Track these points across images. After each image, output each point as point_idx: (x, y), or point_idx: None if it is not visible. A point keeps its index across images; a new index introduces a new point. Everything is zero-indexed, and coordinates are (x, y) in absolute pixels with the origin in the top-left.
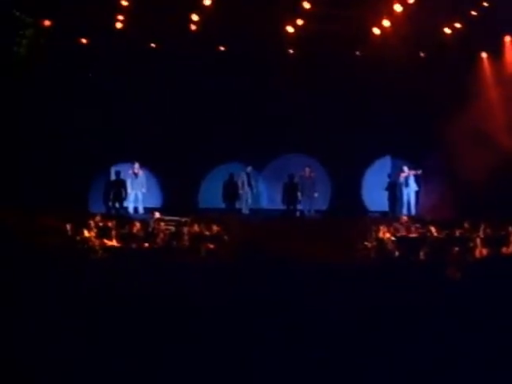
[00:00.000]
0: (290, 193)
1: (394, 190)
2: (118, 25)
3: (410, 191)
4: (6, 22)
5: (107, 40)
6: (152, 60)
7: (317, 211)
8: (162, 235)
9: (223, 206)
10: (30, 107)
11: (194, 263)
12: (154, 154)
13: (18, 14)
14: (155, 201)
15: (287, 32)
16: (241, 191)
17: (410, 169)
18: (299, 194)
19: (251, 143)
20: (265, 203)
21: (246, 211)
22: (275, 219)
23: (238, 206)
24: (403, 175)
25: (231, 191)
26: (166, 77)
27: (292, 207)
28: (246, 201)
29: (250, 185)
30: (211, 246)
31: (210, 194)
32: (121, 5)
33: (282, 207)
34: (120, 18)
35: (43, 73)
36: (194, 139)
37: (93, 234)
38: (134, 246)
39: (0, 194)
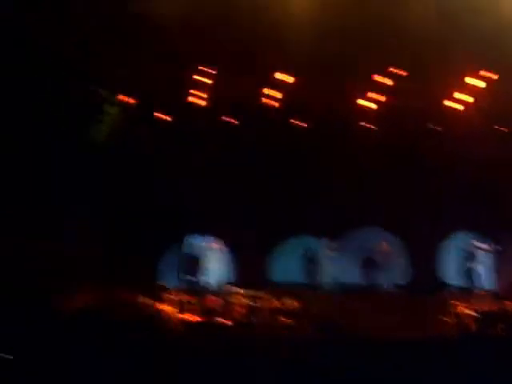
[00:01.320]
0: (367, 267)
1: (467, 263)
2: (197, 101)
3: (481, 265)
4: (89, 100)
5: (186, 116)
6: (227, 134)
7: (395, 285)
8: (238, 309)
9: (298, 279)
10: (105, 182)
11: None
12: (227, 227)
13: (100, 91)
14: (229, 275)
15: (362, 106)
16: (317, 265)
17: (482, 243)
18: (375, 268)
19: (324, 215)
20: (342, 277)
21: (323, 285)
22: (354, 294)
23: (314, 279)
24: (475, 249)
25: (308, 264)
26: (242, 152)
27: (371, 282)
28: (323, 274)
29: (326, 258)
30: (288, 321)
31: (284, 268)
32: (200, 81)
33: (359, 281)
34: (200, 94)
35: (123, 149)
36: (267, 212)
37: (169, 308)
38: (209, 320)
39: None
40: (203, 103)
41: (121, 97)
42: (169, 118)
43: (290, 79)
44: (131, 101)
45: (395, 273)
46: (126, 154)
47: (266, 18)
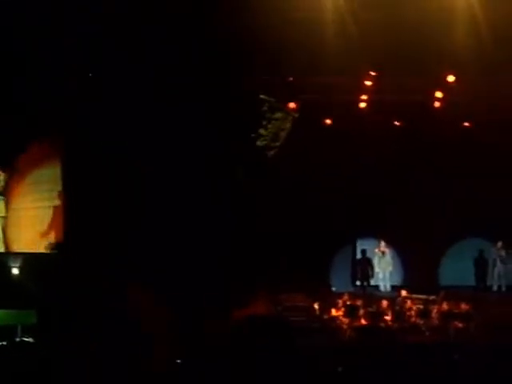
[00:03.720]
0: None
1: None
2: (362, 104)
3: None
4: (254, 106)
5: (350, 120)
6: (395, 138)
7: None
8: (408, 313)
9: (469, 283)
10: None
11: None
12: (397, 231)
13: (265, 97)
14: (399, 278)
15: None
16: (488, 268)
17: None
18: None
19: (496, 217)
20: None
21: (495, 288)
22: None
23: (486, 282)
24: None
25: (482, 268)
26: (411, 155)
27: None
28: (499, 278)
29: (503, 261)
30: (460, 325)
31: (453, 271)
32: (364, 85)
33: None
34: (363, 97)
35: (288, 156)
36: (437, 215)
37: (340, 312)
38: (381, 324)
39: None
40: (368, 107)
41: (286, 103)
42: (333, 123)
43: (455, 80)
44: (295, 106)
45: None
46: (291, 159)
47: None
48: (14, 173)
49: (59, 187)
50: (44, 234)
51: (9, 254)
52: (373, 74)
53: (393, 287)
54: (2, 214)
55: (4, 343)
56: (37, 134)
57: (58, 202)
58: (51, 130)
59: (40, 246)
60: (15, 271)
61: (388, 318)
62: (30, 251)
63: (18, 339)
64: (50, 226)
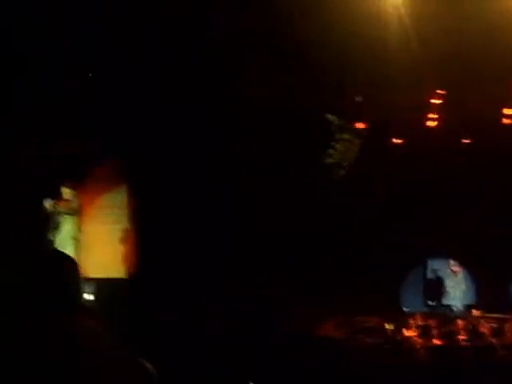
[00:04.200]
0: None
1: None
2: (430, 123)
3: None
4: (321, 127)
5: (419, 139)
6: (464, 156)
7: None
8: (481, 332)
9: None
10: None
11: None
12: (468, 248)
13: (332, 117)
14: (472, 298)
15: None
16: None
17: None
18: None
19: None
20: None
21: None
22: None
23: None
24: None
25: None
26: (482, 173)
27: None
28: None
29: None
30: None
31: None
32: (432, 103)
33: None
34: (432, 116)
35: (357, 175)
36: (506, 233)
37: (413, 333)
38: (453, 343)
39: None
40: (435, 125)
41: (353, 123)
42: (401, 142)
43: None
44: (363, 126)
45: None
46: (361, 178)
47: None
48: (85, 194)
49: (121, 210)
50: (116, 257)
51: (83, 281)
52: (441, 91)
53: (465, 307)
54: (75, 236)
55: None
56: (105, 156)
57: (127, 225)
58: (119, 153)
59: (113, 270)
60: (90, 297)
61: (462, 337)
62: (103, 275)
63: None
64: (122, 250)
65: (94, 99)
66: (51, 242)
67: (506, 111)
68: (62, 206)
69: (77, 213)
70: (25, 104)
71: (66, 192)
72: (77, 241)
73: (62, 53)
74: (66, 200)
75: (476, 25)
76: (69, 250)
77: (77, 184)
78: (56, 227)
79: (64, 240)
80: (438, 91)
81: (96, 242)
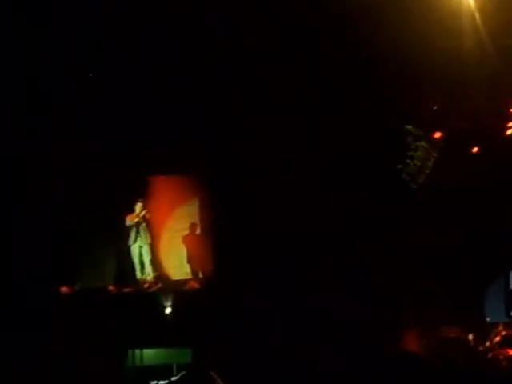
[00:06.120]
0: None
1: None
2: (509, 131)
3: None
4: (399, 136)
5: (498, 147)
6: None
7: None
8: None
9: None
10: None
11: None
12: None
13: (409, 127)
14: None
15: None
16: None
17: None
18: None
19: None
20: None
21: None
22: None
23: None
24: None
25: None
26: None
27: None
28: None
29: None
30: None
31: None
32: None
33: None
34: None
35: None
36: None
37: (496, 343)
38: None
39: None
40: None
41: (431, 132)
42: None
43: None
44: (441, 135)
45: None
46: (435, 189)
47: None
48: (161, 206)
49: (193, 219)
50: (185, 262)
51: (161, 293)
52: None
53: None
54: (150, 242)
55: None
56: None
57: (186, 232)
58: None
59: (183, 273)
60: (168, 310)
61: None
62: (177, 276)
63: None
64: (195, 254)
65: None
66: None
67: None
68: (135, 218)
69: (150, 222)
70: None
71: (138, 205)
72: (152, 246)
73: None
74: (139, 212)
75: None
76: (145, 253)
77: (147, 197)
78: (134, 236)
79: (141, 246)
80: None
81: (171, 247)
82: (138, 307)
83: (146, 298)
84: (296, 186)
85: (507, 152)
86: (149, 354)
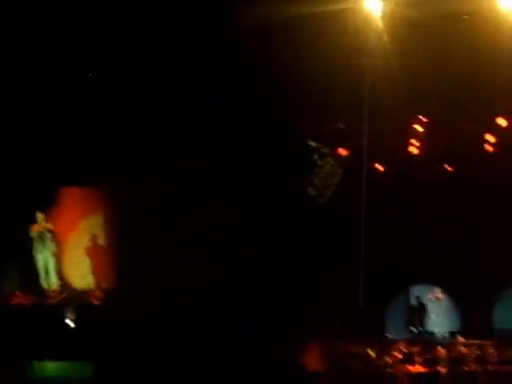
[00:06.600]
0: None
1: None
2: (413, 150)
3: None
4: (303, 153)
5: (401, 166)
6: (447, 184)
7: None
8: (463, 359)
9: None
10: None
11: None
12: (450, 276)
13: (314, 144)
14: (455, 324)
15: None
16: None
17: None
18: None
19: None
20: None
21: None
22: None
23: None
24: None
25: None
26: (465, 199)
27: None
28: None
29: None
30: None
31: (509, 315)
32: (415, 130)
33: None
34: (415, 143)
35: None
36: (490, 258)
37: (396, 359)
38: (435, 370)
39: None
40: (417, 152)
41: (335, 149)
42: (383, 169)
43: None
44: (346, 153)
45: None
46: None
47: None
48: (65, 217)
49: (96, 231)
50: (93, 270)
51: (64, 305)
52: (423, 119)
53: (449, 333)
54: (53, 251)
55: None
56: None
57: (89, 243)
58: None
59: (87, 283)
60: (70, 323)
61: (444, 364)
62: (81, 286)
63: None
64: (97, 264)
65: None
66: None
67: (489, 138)
68: (39, 228)
69: (55, 233)
70: None
71: (40, 216)
72: (57, 256)
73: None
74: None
75: (459, 54)
76: (50, 263)
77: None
78: (38, 246)
79: (46, 256)
80: (421, 118)
81: (75, 257)
82: (40, 319)
83: (49, 310)
84: (201, 200)
85: (409, 169)
86: (50, 367)
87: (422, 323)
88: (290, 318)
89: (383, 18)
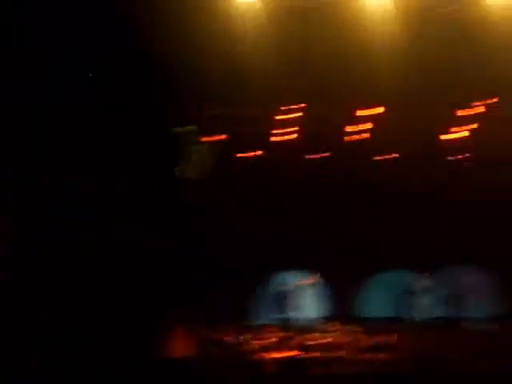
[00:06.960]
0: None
1: None
2: (284, 138)
3: None
4: (178, 139)
5: (273, 153)
6: (314, 170)
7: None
8: (329, 345)
9: (391, 313)
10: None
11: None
12: (318, 261)
13: (187, 129)
14: (321, 310)
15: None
16: (410, 299)
17: None
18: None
19: (421, 251)
20: (433, 312)
21: (416, 319)
22: (444, 327)
23: (410, 314)
24: None
25: (402, 299)
26: (331, 186)
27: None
28: (417, 309)
29: (420, 293)
30: (380, 356)
31: (377, 302)
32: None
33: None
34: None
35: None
36: (360, 245)
37: (261, 345)
38: (300, 356)
39: None
40: (290, 140)
41: (208, 135)
42: (255, 155)
43: (375, 113)
44: (218, 139)
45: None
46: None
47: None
48: None
49: None
50: None
51: None
52: (294, 106)
53: (315, 319)
54: None
55: None
56: None
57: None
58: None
59: None
60: None
61: (314, 350)
62: None
63: None
64: None
65: None
66: None
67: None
68: None
69: None
70: None
71: None
72: None
73: None
74: None
75: (327, 41)
76: None
77: None
78: None
79: None
80: (290, 106)
81: None
82: None
83: None
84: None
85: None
86: None
87: (286, 309)
88: (149, 305)
89: (256, 3)
